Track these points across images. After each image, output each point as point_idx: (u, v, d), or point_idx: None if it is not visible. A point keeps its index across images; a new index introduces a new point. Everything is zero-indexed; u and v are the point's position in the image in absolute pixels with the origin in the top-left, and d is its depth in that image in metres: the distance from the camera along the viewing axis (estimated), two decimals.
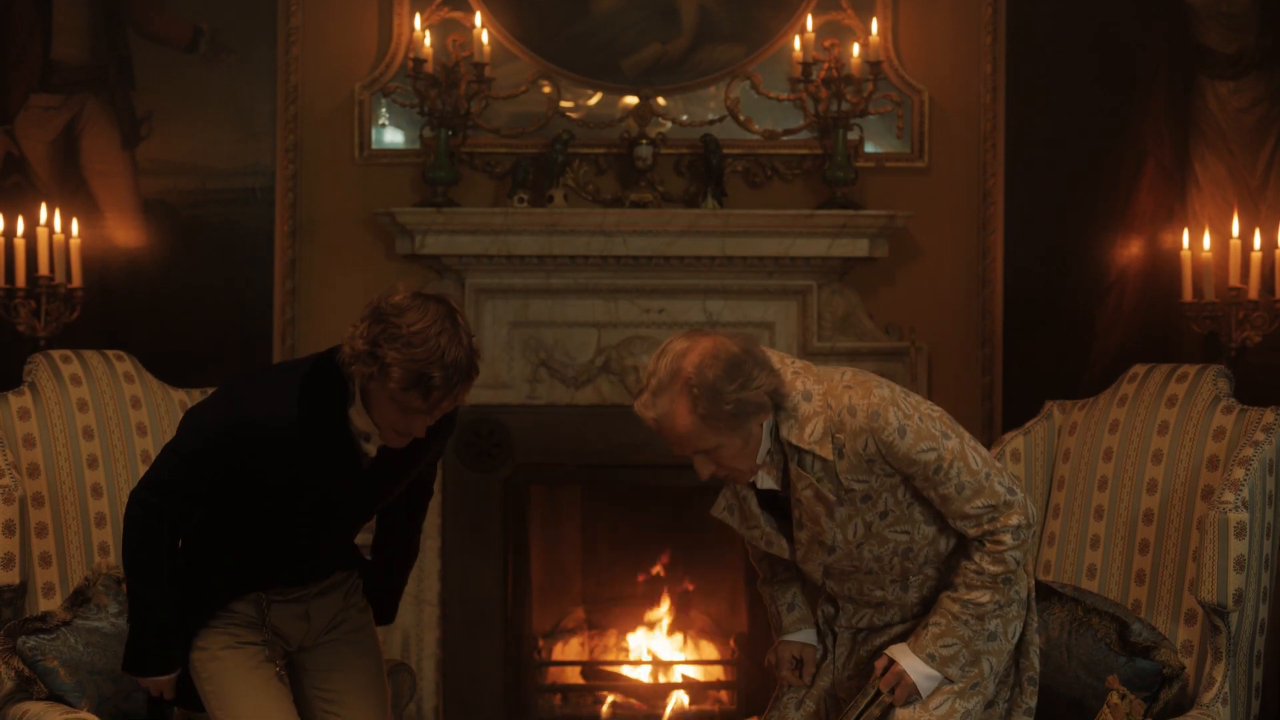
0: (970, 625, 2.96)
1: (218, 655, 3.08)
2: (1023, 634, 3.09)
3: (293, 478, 2.94)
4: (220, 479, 2.95)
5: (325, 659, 3.20)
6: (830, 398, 2.89)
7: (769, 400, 2.86)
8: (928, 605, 3.05)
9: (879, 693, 2.99)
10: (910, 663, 2.97)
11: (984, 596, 2.95)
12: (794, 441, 2.90)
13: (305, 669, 3.20)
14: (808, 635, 3.19)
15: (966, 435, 2.93)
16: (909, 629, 3.06)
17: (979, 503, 2.91)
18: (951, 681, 2.99)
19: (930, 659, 2.96)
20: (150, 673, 3.08)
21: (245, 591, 3.10)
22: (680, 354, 2.81)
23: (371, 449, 2.95)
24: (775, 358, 2.93)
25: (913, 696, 2.98)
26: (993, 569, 2.94)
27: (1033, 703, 3.09)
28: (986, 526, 2.92)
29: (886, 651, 3.01)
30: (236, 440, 2.89)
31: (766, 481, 2.97)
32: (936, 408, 2.94)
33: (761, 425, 2.89)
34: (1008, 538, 2.93)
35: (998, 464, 2.97)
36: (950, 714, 3.00)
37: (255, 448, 2.89)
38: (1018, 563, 2.97)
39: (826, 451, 2.89)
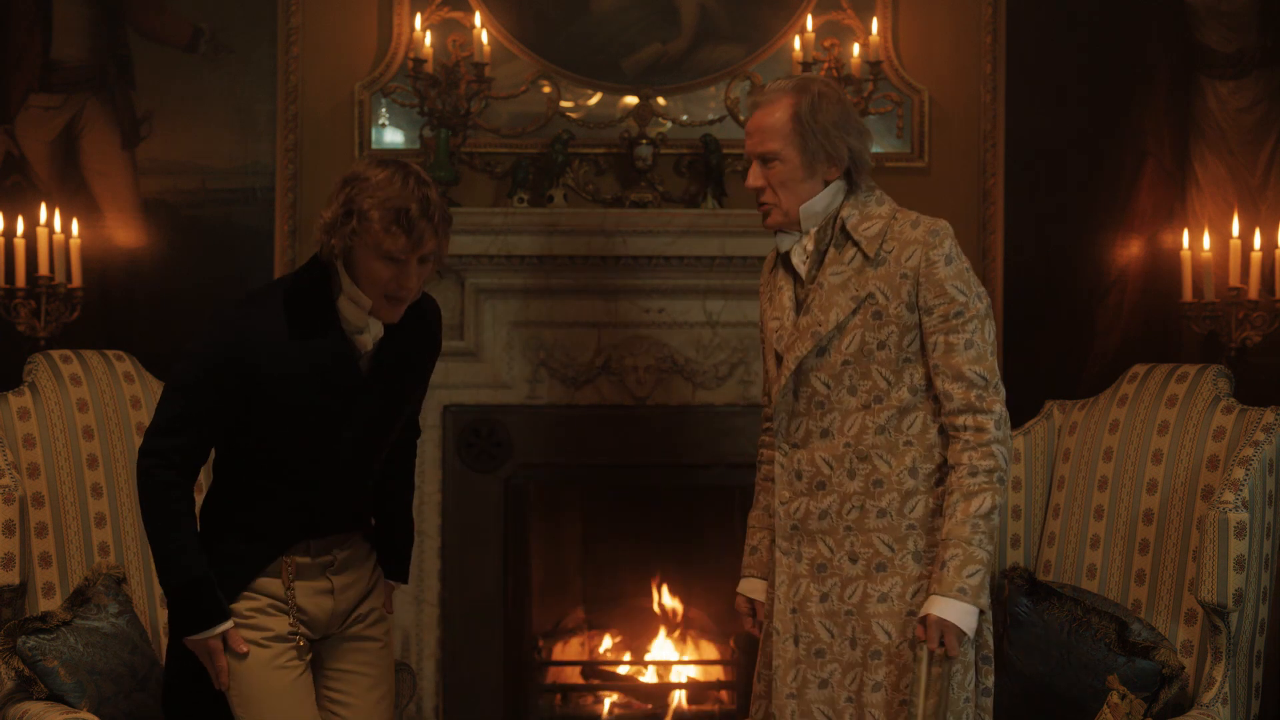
0: (985, 545, 2.92)
1: (244, 654, 3.04)
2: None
3: (294, 392, 2.92)
4: (223, 409, 2.93)
5: (341, 659, 3.18)
6: (900, 212, 3.07)
7: (848, 161, 3.04)
8: (857, 512, 3.00)
9: (930, 653, 2.90)
10: (950, 610, 2.90)
11: (986, 502, 2.93)
12: (849, 227, 3.03)
13: (320, 665, 3.18)
14: (755, 586, 3.25)
15: (992, 320, 3.02)
16: (844, 569, 3.01)
17: (979, 368, 2.96)
18: (983, 611, 2.94)
19: (962, 593, 2.90)
20: (211, 622, 2.98)
21: (273, 548, 3.04)
22: (817, 79, 3.11)
23: (367, 341, 2.97)
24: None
25: (962, 638, 2.92)
26: (984, 464, 2.94)
27: (989, 682, 3.06)
28: (974, 400, 2.95)
29: (922, 612, 2.93)
30: (232, 362, 2.89)
31: (799, 255, 3.08)
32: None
33: (825, 184, 3.04)
34: (990, 425, 2.95)
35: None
36: (861, 688, 2.98)
37: (252, 363, 2.89)
38: (1005, 460, 2.96)
39: (871, 248, 3.01)
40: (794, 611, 3.09)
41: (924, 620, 2.94)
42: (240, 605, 3.06)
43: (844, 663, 3.04)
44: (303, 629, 3.11)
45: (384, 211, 2.86)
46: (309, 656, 3.13)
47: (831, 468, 3.03)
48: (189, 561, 2.99)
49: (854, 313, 2.99)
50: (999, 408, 2.98)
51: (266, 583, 3.08)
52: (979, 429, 2.96)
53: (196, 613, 3.01)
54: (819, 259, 3.06)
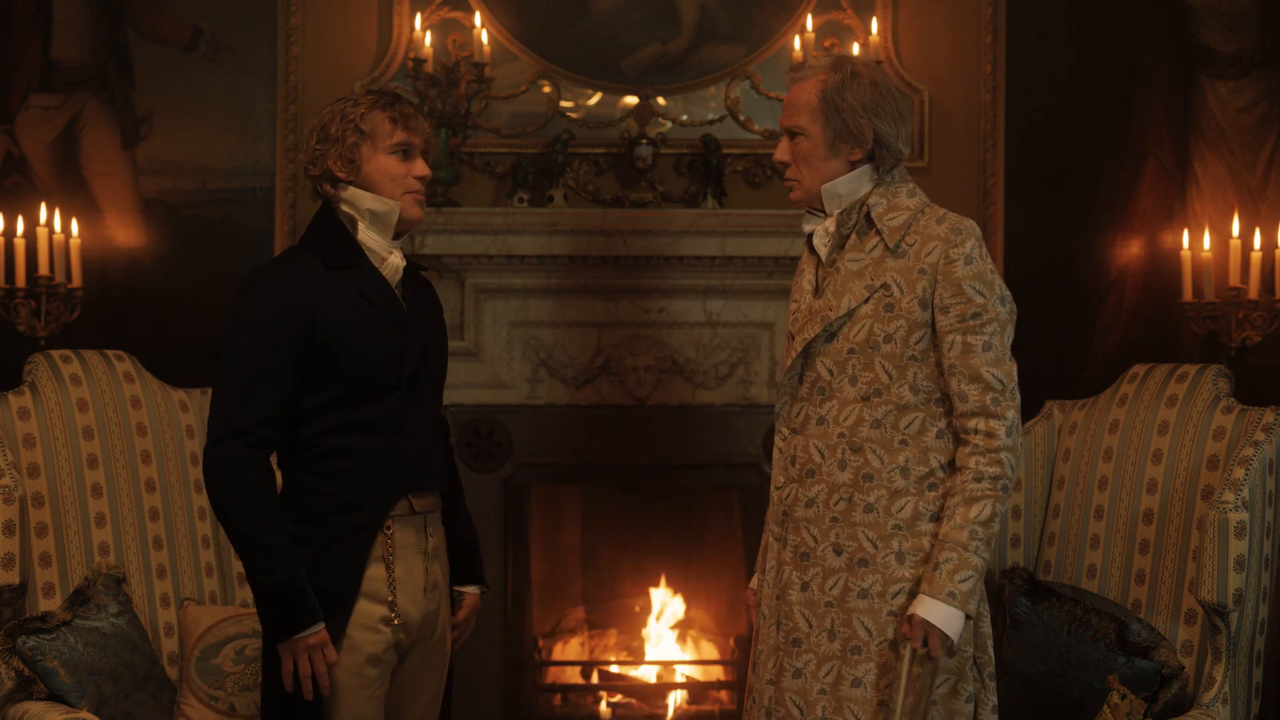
0: (981, 552, 2.88)
1: (338, 680, 2.97)
2: (978, 625, 3.00)
3: (350, 322, 2.96)
4: (287, 366, 2.92)
5: (406, 676, 3.12)
6: (929, 208, 3.03)
7: (871, 144, 3.01)
8: (844, 504, 2.97)
9: (914, 653, 2.89)
10: (937, 612, 2.87)
11: (987, 509, 2.89)
12: (874, 214, 3.01)
13: (396, 676, 3.13)
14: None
15: (1012, 326, 2.98)
16: (828, 560, 2.99)
17: (996, 371, 2.91)
18: (970, 617, 2.91)
19: (951, 597, 2.86)
20: (302, 626, 2.89)
21: (370, 513, 2.97)
22: (859, 59, 3.09)
23: (397, 261, 3.06)
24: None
25: (947, 642, 2.89)
26: (990, 470, 2.90)
27: (995, 699, 3.02)
28: (989, 404, 2.91)
29: (910, 613, 2.90)
30: (287, 308, 2.93)
31: (820, 238, 3.07)
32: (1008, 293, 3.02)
33: (849, 165, 3.02)
34: (1002, 431, 2.90)
35: None
36: (839, 681, 2.95)
37: (304, 306, 2.93)
38: (1012, 468, 2.92)
39: (893, 240, 2.98)
40: (778, 598, 3.06)
41: (910, 618, 2.90)
42: (342, 628, 2.96)
43: (820, 654, 2.99)
44: (401, 627, 3.03)
45: (381, 109, 3.03)
46: (387, 686, 3.07)
47: (823, 456, 3.00)
48: (281, 558, 2.90)
49: (866, 301, 2.96)
50: (1012, 414, 2.92)
51: (371, 575, 2.98)
52: (990, 434, 2.91)
53: (295, 614, 2.91)
54: (840, 243, 3.04)
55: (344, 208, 3.05)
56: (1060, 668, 3.47)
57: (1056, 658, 3.47)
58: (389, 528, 3.01)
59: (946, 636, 2.88)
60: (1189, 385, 3.70)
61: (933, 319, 2.95)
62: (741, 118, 4.87)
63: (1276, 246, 4.61)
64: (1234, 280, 4.56)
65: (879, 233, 2.99)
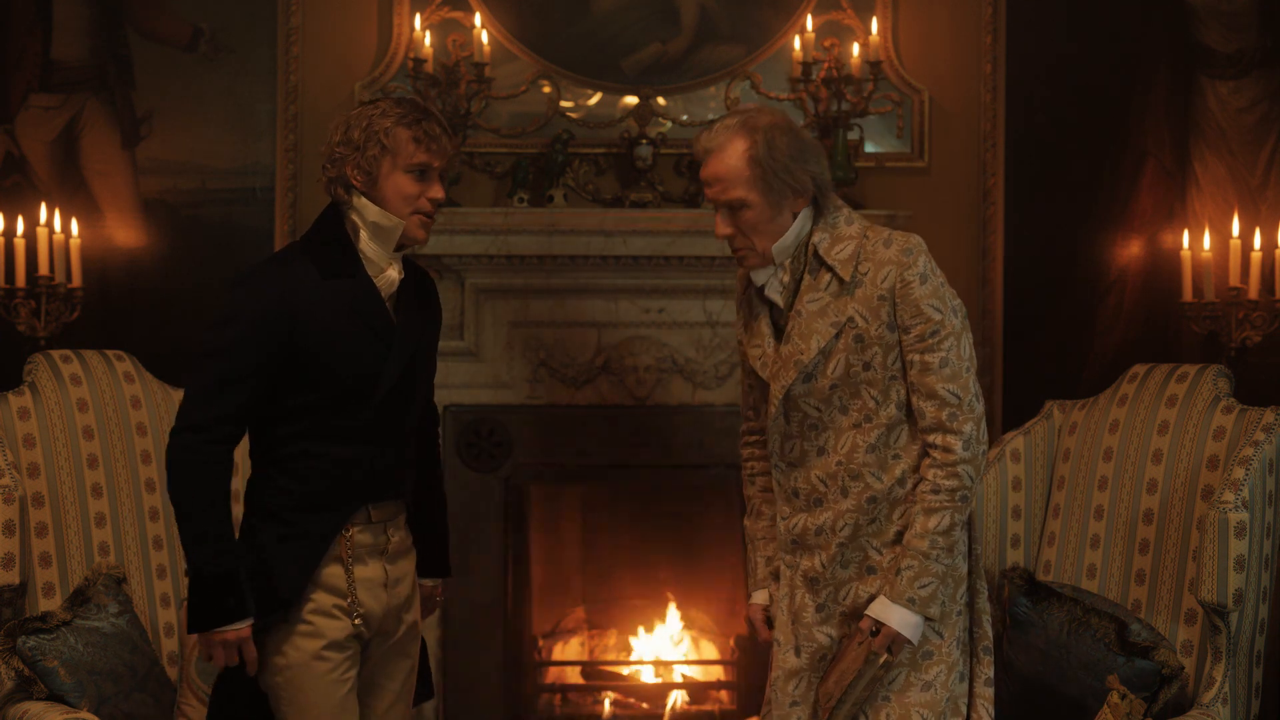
0: (941, 560, 2.96)
1: (302, 664, 3.01)
2: (973, 602, 3.09)
3: (333, 333, 2.95)
4: (264, 368, 2.92)
5: (379, 668, 3.16)
6: (870, 231, 3.01)
7: (812, 189, 2.98)
8: (850, 528, 3.02)
9: (875, 654, 2.97)
10: (895, 615, 2.96)
11: (945, 520, 2.95)
12: (821, 252, 2.99)
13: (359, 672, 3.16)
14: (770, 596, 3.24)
15: (969, 334, 3.00)
16: (838, 577, 3.04)
17: (952, 387, 2.95)
18: (933, 621, 2.99)
19: (910, 603, 2.95)
20: (223, 621, 2.93)
21: (333, 518, 3.00)
22: (759, 111, 3.00)
23: (393, 275, 3.03)
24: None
25: (906, 647, 2.99)
26: (947, 484, 2.95)
27: (990, 673, 3.09)
28: (945, 419, 2.95)
29: (868, 613, 2.99)
30: (272, 310, 2.91)
31: (775, 289, 3.05)
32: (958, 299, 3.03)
33: (794, 216, 2.99)
34: (958, 445, 2.95)
35: (975, 378, 3.03)
36: (906, 687, 3.01)
37: (290, 311, 2.92)
38: (971, 479, 2.96)
39: (846, 272, 2.97)
40: (794, 622, 3.12)
41: (877, 625, 2.98)
42: (304, 609, 3.02)
43: (837, 658, 3.07)
44: (361, 620, 3.06)
45: (406, 125, 2.99)
46: (357, 669, 3.10)
47: (826, 485, 3.06)
48: (224, 547, 2.94)
49: (835, 338, 2.98)
50: (969, 427, 2.96)
51: (330, 573, 3.03)
52: (947, 449, 2.96)
53: (223, 606, 2.94)
54: (795, 287, 3.04)
55: (352, 214, 3.05)
56: (1060, 668, 3.47)
57: (1056, 658, 3.47)
58: (348, 531, 3.05)
59: (906, 640, 2.97)
60: (1189, 385, 3.70)
61: (899, 339, 2.99)
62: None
63: (1276, 246, 4.61)
64: (1234, 280, 4.55)
65: (830, 269, 2.99)
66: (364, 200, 3.02)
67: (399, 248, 3.08)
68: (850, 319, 2.97)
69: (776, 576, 3.21)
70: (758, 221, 2.97)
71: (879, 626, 2.98)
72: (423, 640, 3.31)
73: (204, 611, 2.95)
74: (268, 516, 3.02)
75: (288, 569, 3.00)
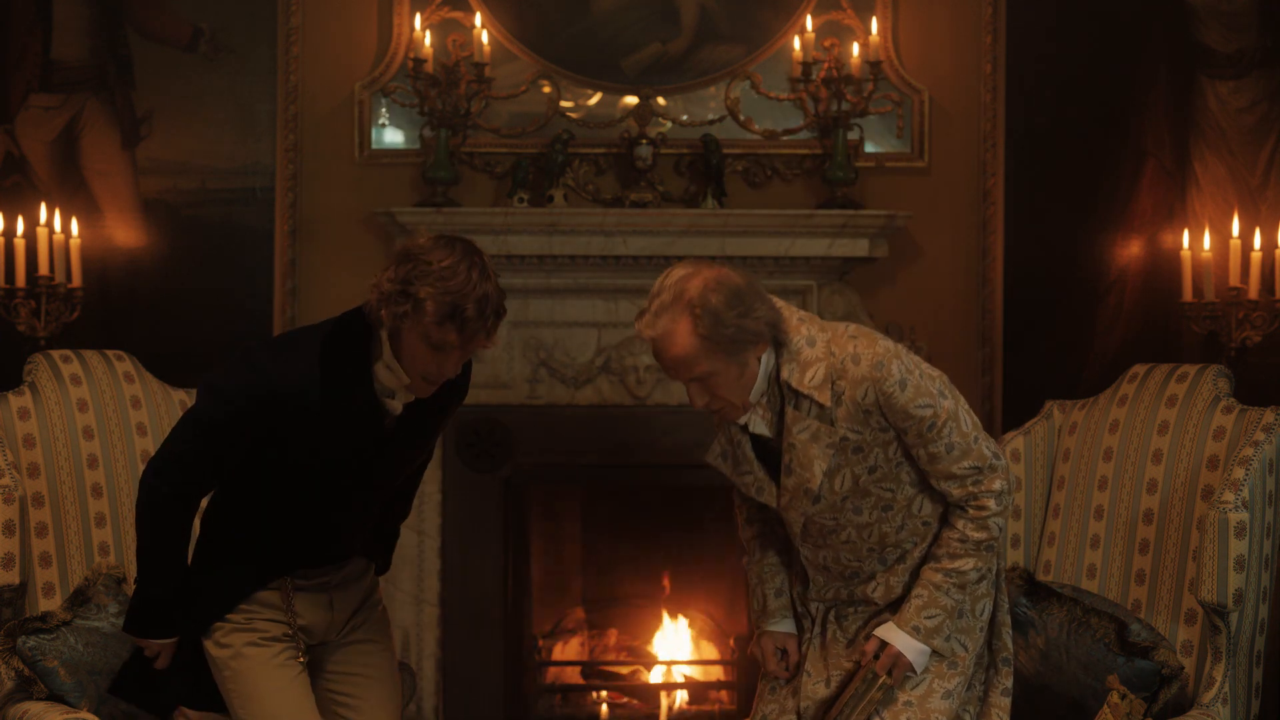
0: (952, 595, 2.99)
1: (241, 652, 3.06)
2: (994, 615, 3.12)
3: (316, 446, 2.91)
4: (240, 450, 2.93)
5: (344, 661, 3.19)
6: (834, 345, 2.94)
7: (768, 331, 2.91)
8: (884, 587, 3.07)
9: (876, 675, 3.01)
10: (899, 639, 3.00)
11: (967, 564, 2.99)
12: (794, 384, 2.94)
13: (323, 669, 3.18)
14: (790, 625, 3.21)
15: (960, 398, 2.98)
16: (875, 612, 3.09)
17: (966, 464, 2.96)
18: (941, 656, 3.02)
19: (915, 631, 2.99)
20: (151, 635, 3.10)
21: (270, 575, 3.06)
22: (685, 278, 2.87)
23: (397, 405, 2.93)
24: (779, 303, 2.98)
25: (908, 673, 3.02)
26: (976, 535, 2.98)
27: (1009, 683, 3.12)
28: (971, 489, 2.97)
29: (875, 633, 3.03)
30: (260, 408, 2.87)
31: (759, 426, 3.00)
32: (934, 369, 2.99)
33: (759, 360, 2.94)
34: (991, 502, 2.97)
35: (983, 430, 3.02)
36: (929, 694, 3.02)
37: (279, 415, 2.87)
38: (1000, 529, 3.00)
39: (825, 397, 2.93)
40: (825, 655, 3.15)
41: (882, 644, 3.02)
42: (237, 616, 3.07)
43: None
44: (300, 635, 3.11)
45: (440, 304, 2.75)
46: (306, 658, 3.13)
47: (861, 561, 3.09)
48: (171, 579, 3.06)
49: (834, 458, 2.97)
50: (999, 483, 2.98)
51: (265, 596, 3.09)
52: (980, 508, 3.00)
53: (155, 622, 3.10)
54: (779, 419, 3.00)
55: (377, 336, 2.92)
56: (1060, 668, 3.47)
57: (1056, 658, 3.47)
58: (286, 580, 3.11)
59: (911, 669, 3.01)
60: (1189, 385, 3.70)
61: (896, 434, 2.97)
62: (741, 118, 4.87)
63: (1276, 246, 4.60)
64: (1234, 280, 4.55)
65: (807, 398, 2.94)
66: (385, 337, 2.88)
67: None
68: (844, 438, 2.95)
69: (792, 609, 3.22)
70: (728, 383, 2.91)
71: (883, 648, 3.01)
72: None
73: (138, 620, 3.10)
74: (212, 550, 3.10)
75: (218, 595, 3.08)
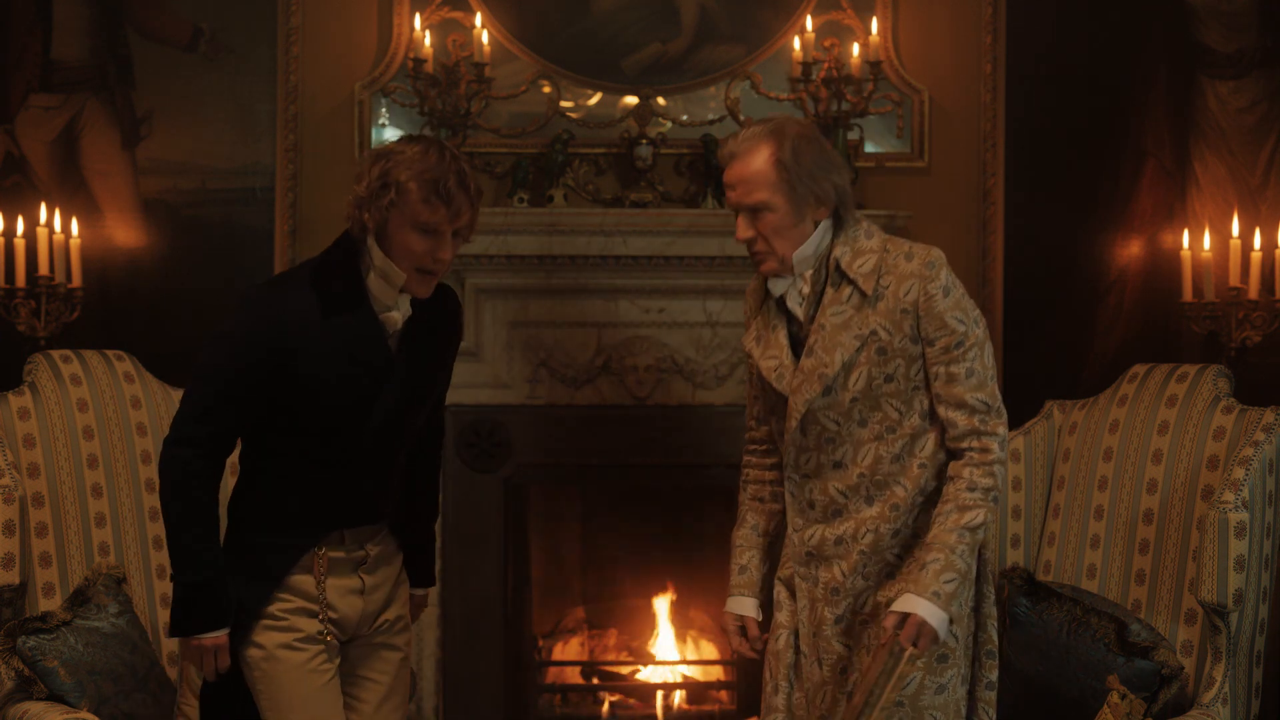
0: (966, 557, 2.96)
1: (275, 655, 3.04)
2: (979, 607, 3.10)
3: (324, 370, 2.93)
4: (256, 393, 2.94)
5: (362, 662, 3.18)
6: (891, 244, 3.04)
7: (834, 199, 3.01)
8: (872, 535, 3.04)
9: (901, 648, 2.93)
10: (921, 606, 2.93)
11: (978, 517, 2.96)
12: (843, 265, 3.01)
13: (340, 666, 3.17)
14: (746, 605, 3.23)
15: (989, 342, 3.04)
16: (857, 586, 3.05)
17: (981, 395, 2.99)
18: (952, 620, 2.97)
19: (935, 597, 2.93)
20: (202, 628, 2.98)
21: (306, 539, 3.03)
22: (787, 118, 3.06)
23: (396, 317, 3.00)
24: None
25: (934, 641, 2.95)
26: (985, 482, 2.98)
27: (994, 676, 3.10)
28: (978, 425, 2.99)
29: (892, 608, 2.96)
30: (265, 342, 2.91)
31: (795, 300, 3.06)
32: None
33: (815, 225, 3.01)
34: (995, 446, 2.99)
35: None
36: (920, 691, 3.00)
37: (284, 345, 2.91)
38: (1003, 480, 3.01)
39: (868, 286, 2.99)
40: (815, 635, 3.13)
41: (903, 617, 2.95)
42: (273, 607, 3.05)
43: (864, 669, 3.06)
44: (332, 629, 3.10)
45: (422, 183, 2.92)
46: (338, 660, 3.12)
47: (847, 497, 3.07)
48: (208, 558, 2.99)
49: (858, 351, 2.99)
50: (1002, 430, 3.01)
51: (299, 580, 3.06)
52: (984, 450, 3.00)
53: (203, 613, 3.00)
54: (816, 299, 3.05)
55: (365, 250, 3.02)
56: (1060, 668, 3.47)
57: (1056, 658, 3.48)
58: (320, 550, 3.07)
59: (932, 629, 2.95)
60: (1189, 385, 3.70)
61: (923, 351, 3.01)
62: (741, 118, 4.87)
63: (1276, 246, 4.61)
64: (1234, 280, 4.55)
65: (852, 282, 3.01)
66: (373, 243, 2.99)
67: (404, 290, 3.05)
68: (873, 331, 2.98)
69: (760, 587, 3.23)
70: (780, 226, 2.99)
71: (903, 620, 2.94)
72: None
73: (183, 618, 3.01)
74: (242, 529, 3.07)
75: (253, 583, 3.03)
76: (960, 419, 2.99)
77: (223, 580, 3.00)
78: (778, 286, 3.08)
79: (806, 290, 3.04)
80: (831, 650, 3.10)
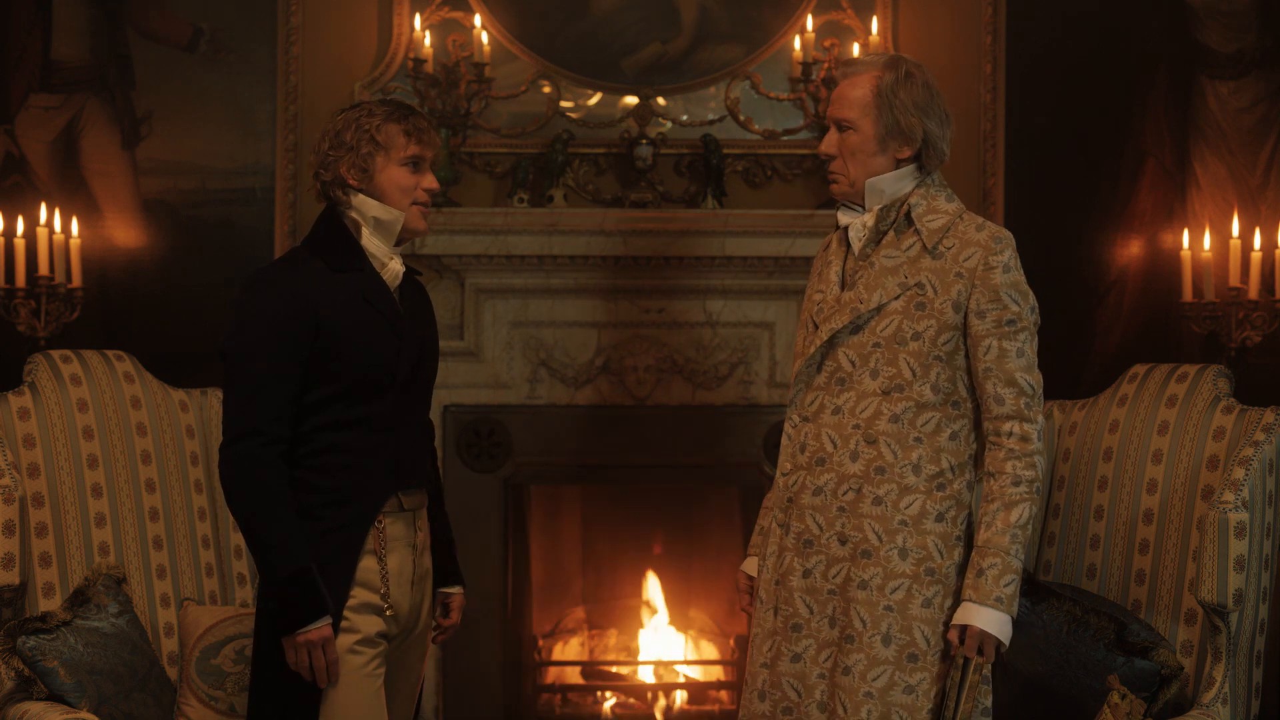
0: (1019, 555, 2.96)
1: (340, 657, 3.01)
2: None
3: (350, 322, 3.01)
4: (294, 364, 2.98)
5: (393, 664, 3.16)
6: (966, 214, 3.07)
7: (920, 143, 3.05)
8: (853, 494, 3.00)
9: (967, 660, 2.93)
10: (980, 617, 2.93)
11: (1025, 513, 2.96)
12: (915, 214, 3.04)
13: None
14: (755, 565, 3.26)
15: (1037, 337, 3.04)
16: (832, 549, 3.02)
17: (1029, 378, 2.99)
18: (1014, 619, 2.97)
19: (999, 603, 2.93)
20: (307, 619, 2.94)
21: (365, 509, 3.03)
22: (904, 58, 3.13)
23: (397, 267, 3.12)
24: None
25: (1000, 646, 2.96)
26: (1027, 474, 2.98)
27: (988, 702, 3.06)
28: (1023, 407, 2.98)
29: (954, 622, 2.96)
30: (292, 307, 2.98)
31: (857, 231, 3.08)
32: None
33: (895, 164, 3.05)
34: (1035, 435, 2.99)
35: None
36: (890, 686, 2.96)
37: (309, 306, 2.98)
38: (1043, 471, 3.02)
39: (931, 240, 3.02)
40: (777, 584, 3.10)
41: (964, 629, 2.95)
42: (341, 606, 3.03)
43: (820, 640, 3.03)
44: (391, 626, 3.10)
45: (395, 121, 3.08)
46: (385, 668, 3.11)
47: (835, 445, 3.04)
48: (295, 548, 2.96)
49: (898, 297, 3.00)
50: (1042, 420, 3.01)
51: (364, 567, 3.04)
52: (1024, 438, 2.99)
53: (303, 606, 2.95)
54: (876, 238, 3.07)
55: (351, 213, 3.12)
56: (1060, 668, 3.47)
57: (1056, 658, 3.47)
58: (380, 522, 3.07)
59: (1000, 642, 2.95)
60: (1189, 385, 3.70)
61: (964, 323, 3.00)
62: (741, 118, 4.87)
63: (1276, 246, 4.61)
64: (1234, 280, 4.56)
65: (917, 232, 3.03)
66: (363, 197, 3.10)
67: (399, 241, 3.15)
68: (920, 284, 3.00)
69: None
70: (858, 148, 3.05)
71: (964, 632, 2.94)
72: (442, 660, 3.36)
73: (284, 616, 2.97)
74: (304, 516, 3.02)
75: (331, 564, 3.01)
76: (1009, 396, 2.97)
77: (311, 567, 2.96)
78: (845, 215, 3.11)
79: (870, 224, 3.07)
80: (791, 603, 3.05)
